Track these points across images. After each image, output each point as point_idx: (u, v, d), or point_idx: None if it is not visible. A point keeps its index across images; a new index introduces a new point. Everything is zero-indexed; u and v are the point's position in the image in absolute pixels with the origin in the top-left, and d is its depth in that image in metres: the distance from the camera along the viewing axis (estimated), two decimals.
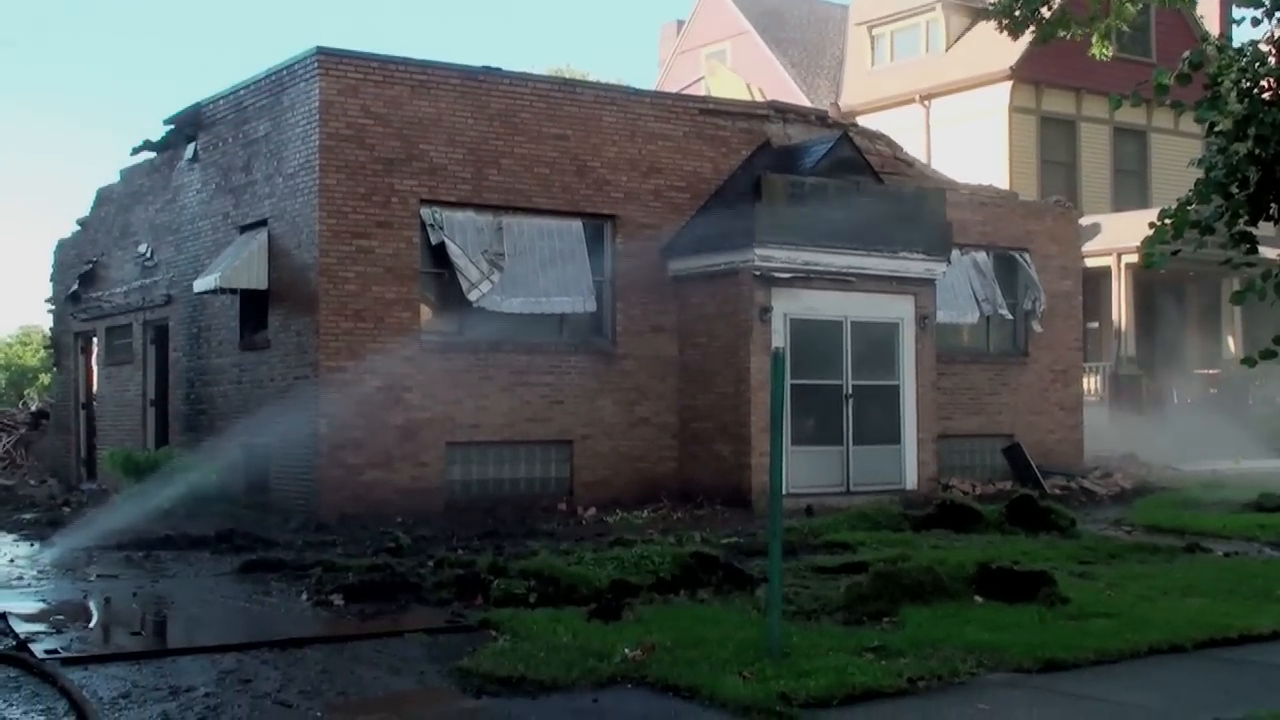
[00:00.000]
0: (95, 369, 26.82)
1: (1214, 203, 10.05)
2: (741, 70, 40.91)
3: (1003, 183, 30.68)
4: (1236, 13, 10.28)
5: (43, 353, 38.15)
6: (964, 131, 35.81)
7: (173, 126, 22.78)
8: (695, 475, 20.55)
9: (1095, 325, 32.53)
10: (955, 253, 23.76)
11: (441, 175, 19.36)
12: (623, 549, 13.34)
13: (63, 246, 28.54)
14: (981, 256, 24.96)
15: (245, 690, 8.38)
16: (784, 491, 9.41)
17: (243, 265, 19.72)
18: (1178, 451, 25.90)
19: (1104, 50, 26.11)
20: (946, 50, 37.82)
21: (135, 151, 24.19)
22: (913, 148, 29.09)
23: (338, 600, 11.47)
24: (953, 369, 23.75)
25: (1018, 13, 24.79)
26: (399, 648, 9.72)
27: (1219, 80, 9.95)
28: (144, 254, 23.98)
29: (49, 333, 30.42)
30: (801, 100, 34.47)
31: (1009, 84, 35.18)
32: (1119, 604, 11.04)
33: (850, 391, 20.76)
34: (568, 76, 29.64)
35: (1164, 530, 17.11)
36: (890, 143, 24.79)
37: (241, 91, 20.83)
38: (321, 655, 9.47)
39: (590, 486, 20.13)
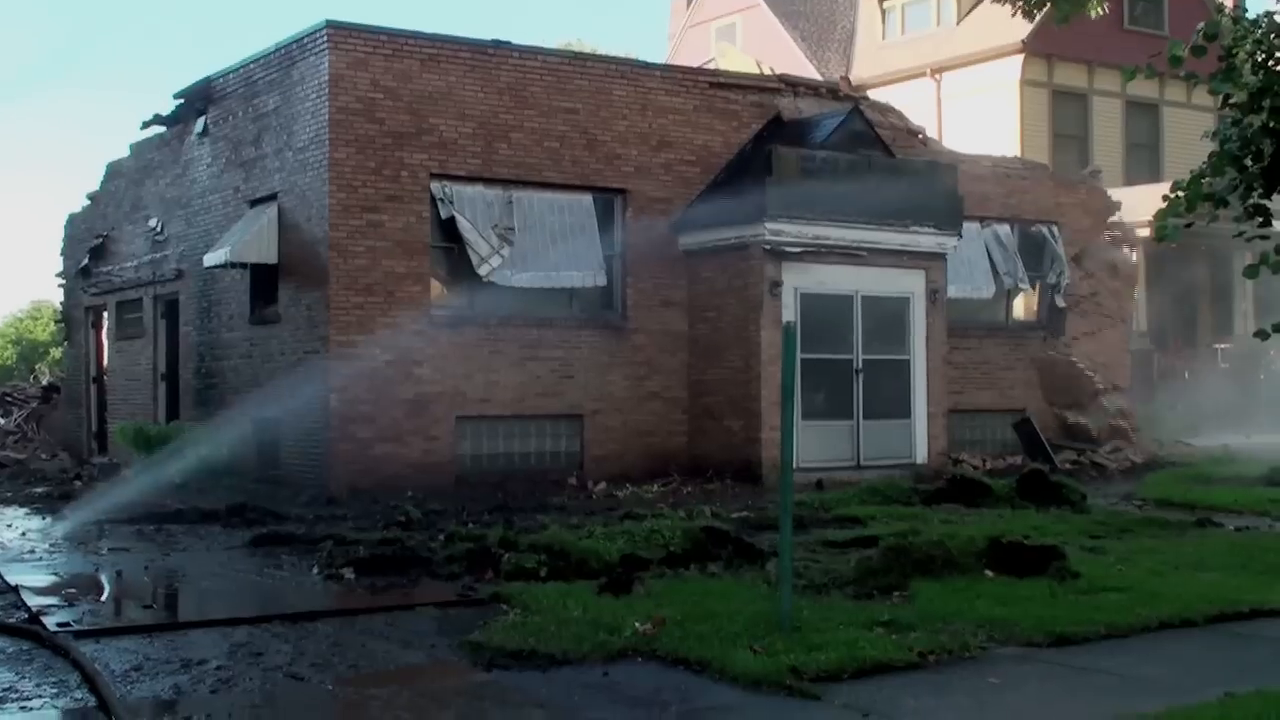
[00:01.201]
0: (106, 343, 26.88)
1: (1228, 175, 10.00)
2: (751, 43, 40.78)
3: (1015, 155, 30.55)
4: None
5: (53, 327, 38.30)
6: (975, 105, 35.69)
7: (182, 101, 22.75)
8: (705, 450, 20.54)
9: None
10: (975, 226, 23.75)
11: (451, 149, 19.32)
12: (633, 523, 13.36)
13: (73, 221, 28.54)
14: (1004, 230, 24.91)
15: (256, 663, 8.40)
16: (794, 466, 9.39)
17: (253, 239, 19.72)
18: (1189, 426, 25.86)
19: (1098, 6, 25.94)
20: (958, 23, 37.66)
21: (145, 125, 24.17)
22: (924, 121, 28.96)
23: (348, 574, 11.49)
24: (966, 343, 23.69)
25: None
26: (410, 621, 9.74)
27: (1234, 52, 9.88)
28: (154, 228, 23.99)
29: (59, 307, 30.44)
30: (812, 74, 34.31)
31: (1020, 57, 35.03)
32: (1130, 579, 11.02)
33: (860, 366, 20.73)
34: (578, 50, 29.51)
35: (1175, 505, 17.05)
36: (901, 116, 24.71)
37: (251, 66, 20.79)
38: (332, 629, 9.49)
39: (600, 461, 20.14)
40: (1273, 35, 9.64)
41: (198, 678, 8.03)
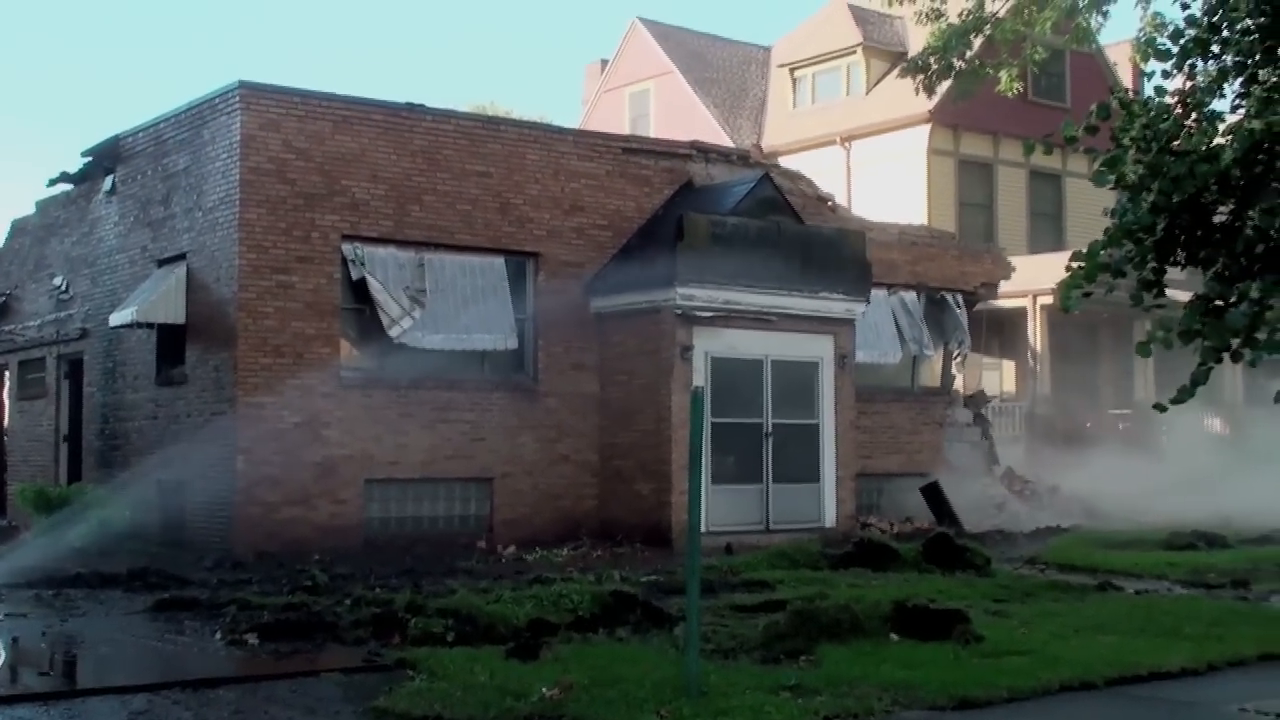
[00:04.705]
0: (7, 403, 26.39)
1: (1124, 249, 10.25)
2: (664, 110, 41.25)
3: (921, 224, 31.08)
4: (1147, 66, 10.53)
5: None
6: (884, 172, 36.26)
7: (90, 159, 22.56)
8: (616, 513, 20.55)
9: (1013, 364, 33.02)
10: (883, 292, 24.13)
11: (363, 211, 19.31)
12: (542, 587, 13.30)
13: None
14: (911, 296, 25.34)
15: None
16: (703, 530, 9.46)
17: (160, 299, 19.54)
18: (1091, 488, 26.23)
19: (1013, 85, 26.76)
20: (867, 93, 38.31)
21: (52, 183, 23.97)
22: (834, 188, 29.42)
23: (252, 639, 11.33)
24: (874, 407, 23.96)
25: (933, 67, 25.36)
26: (314, 687, 9.62)
27: (1121, 137, 10.18)
28: (59, 287, 23.68)
29: None
30: (724, 140, 34.73)
31: (928, 127, 35.70)
32: (1032, 642, 11.15)
33: (770, 430, 20.88)
34: (491, 114, 29.67)
35: (1077, 568, 17.25)
36: (811, 183, 25.09)
37: (161, 125, 20.68)
38: (235, 695, 9.35)
39: (510, 524, 20.07)
40: (1161, 119, 9.94)
41: None
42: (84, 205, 23.17)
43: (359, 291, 19.34)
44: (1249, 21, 9.79)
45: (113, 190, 22.01)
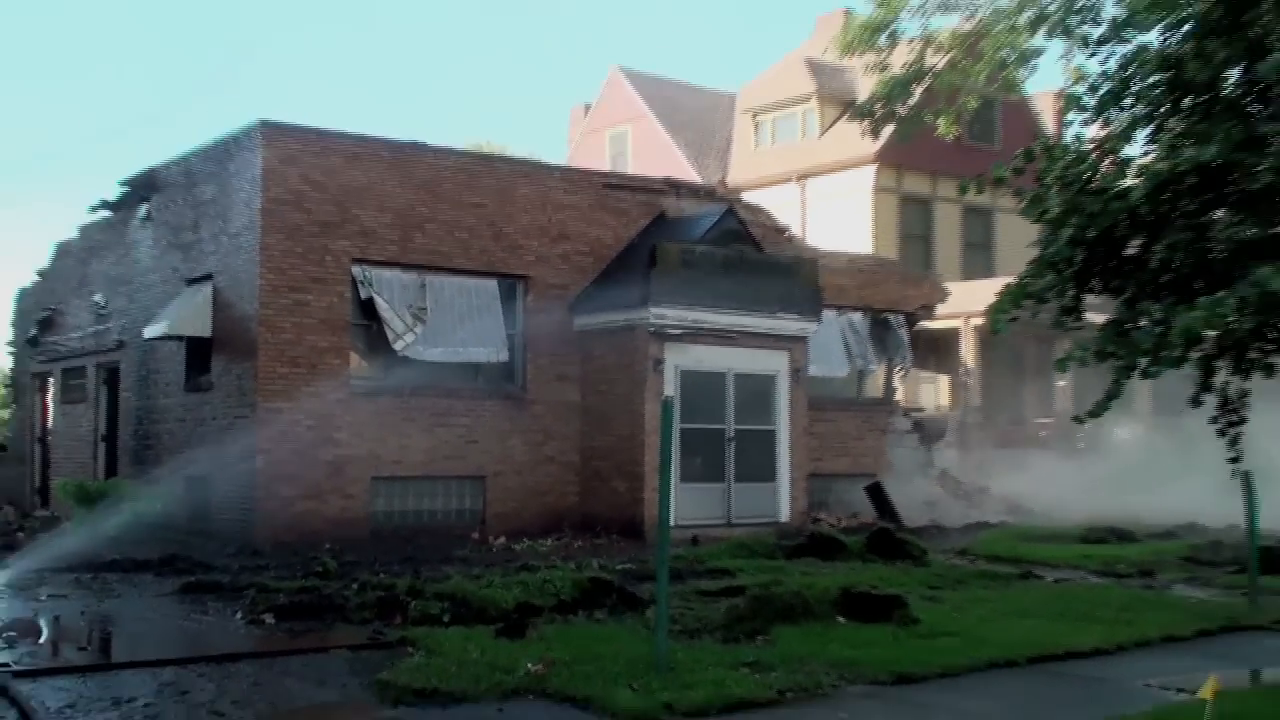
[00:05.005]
0: (51, 406, 26.25)
1: (1047, 278, 10.32)
2: (640, 149, 41.26)
3: (867, 253, 31.18)
4: (1068, 115, 10.60)
5: (2, 391, 37.21)
6: (835, 207, 36.36)
7: (128, 188, 22.46)
8: (595, 508, 20.54)
9: (947, 378, 33.11)
10: (833, 313, 24.22)
11: (371, 237, 19.27)
12: (528, 574, 13.30)
13: (24, 295, 27.95)
14: (858, 317, 25.46)
15: (182, 701, 8.24)
16: (672, 523, 9.46)
17: (189, 314, 19.47)
18: (1017, 489, 26.31)
19: (951, 129, 26.98)
20: (820, 136, 38.40)
21: (93, 210, 23.82)
22: (790, 221, 29.50)
23: (269, 619, 11.31)
24: (824, 415, 24.02)
25: (878, 113, 25.59)
26: (324, 662, 9.60)
27: (1043, 177, 10.27)
28: (99, 303, 23.56)
29: (8, 373, 29.68)
30: (693, 177, 34.76)
31: (874, 167, 35.80)
32: (963, 624, 11.21)
33: (732, 435, 20.91)
34: (486, 151, 29.61)
35: (1003, 559, 17.32)
36: (770, 216, 25.15)
37: (191, 158, 20.61)
38: (253, 669, 9.33)
39: (501, 518, 20.03)
40: (1080, 163, 10.02)
41: (127, 714, 7.85)
42: (121, 230, 23.06)
43: (367, 309, 19.30)
44: (1157, 75, 9.87)
45: (147, 216, 21.92)
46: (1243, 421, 10.53)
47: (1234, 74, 9.67)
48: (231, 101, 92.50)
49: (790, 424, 21.65)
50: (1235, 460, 10.41)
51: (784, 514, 21.33)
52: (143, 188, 22.03)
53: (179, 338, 19.96)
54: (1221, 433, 10.38)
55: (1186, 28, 9.80)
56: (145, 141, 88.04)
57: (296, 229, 18.59)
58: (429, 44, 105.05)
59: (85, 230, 25.09)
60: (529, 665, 8.92)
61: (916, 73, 26.24)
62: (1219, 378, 10.25)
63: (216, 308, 19.36)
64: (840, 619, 11.13)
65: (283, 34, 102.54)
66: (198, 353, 19.95)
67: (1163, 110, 10.01)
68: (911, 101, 27.08)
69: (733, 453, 20.89)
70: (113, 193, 23.02)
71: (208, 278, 19.72)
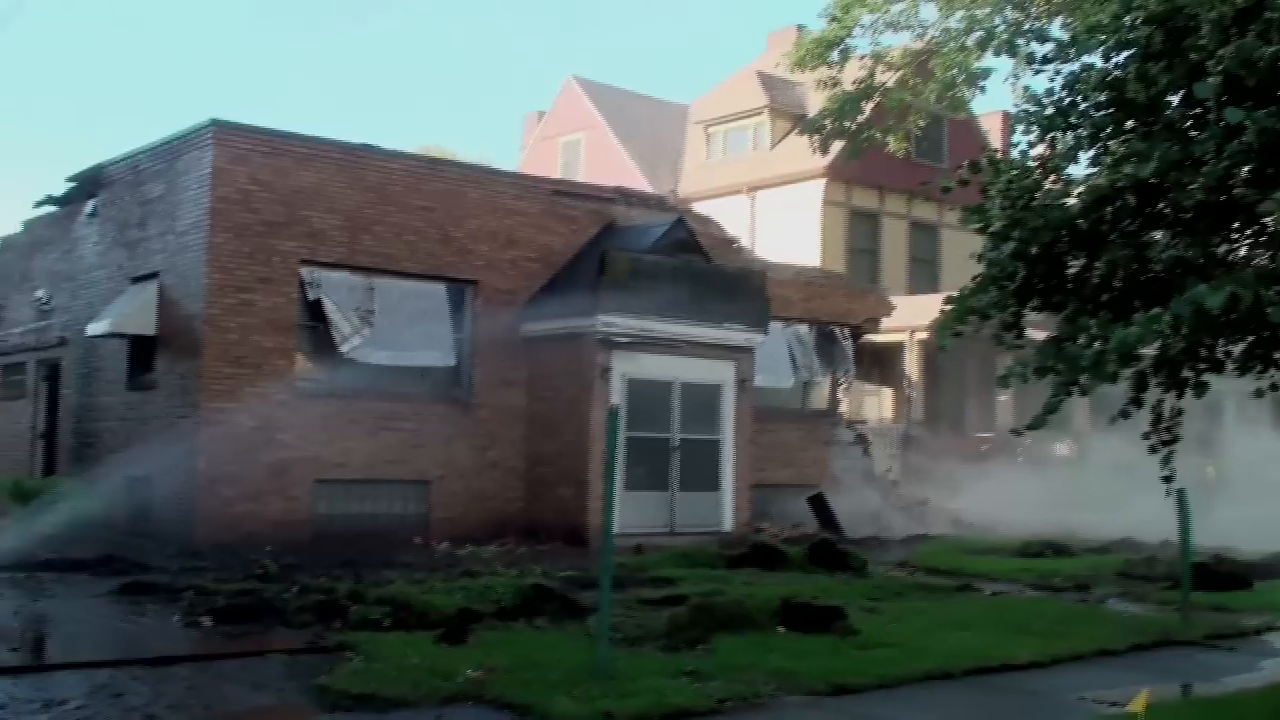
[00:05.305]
0: None
1: (990, 294, 10.37)
2: (592, 158, 41.28)
3: (815, 265, 31.34)
4: (1015, 135, 10.67)
5: None
6: (785, 220, 36.53)
7: (74, 184, 22.19)
8: (539, 514, 20.46)
9: (891, 391, 33.33)
10: (779, 325, 24.30)
11: (320, 239, 19.12)
12: (470, 580, 13.25)
13: None
14: (804, 329, 25.58)
15: (116, 704, 8.10)
16: (616, 531, 9.43)
17: (134, 312, 19.24)
18: (957, 502, 26.50)
19: (901, 147, 27.26)
20: (771, 149, 38.60)
21: (39, 205, 23.53)
22: (740, 232, 29.59)
23: (207, 621, 11.16)
24: (769, 426, 24.07)
25: (828, 128, 25.81)
26: (262, 667, 9.48)
27: (987, 190, 10.34)
28: (41, 299, 23.23)
29: None
30: (645, 187, 34.78)
31: (824, 181, 36.03)
32: (901, 635, 11.24)
33: (677, 444, 20.91)
34: (436, 155, 29.48)
35: (942, 572, 17.37)
36: (719, 227, 25.20)
37: (140, 156, 20.37)
38: (189, 672, 9.21)
39: (445, 522, 19.90)
40: (1023, 178, 10.09)
41: (58, 717, 7.72)
42: (67, 225, 22.75)
43: (314, 311, 19.14)
44: (1100, 96, 9.96)
45: (94, 213, 21.64)
46: (1176, 440, 10.63)
47: (1174, 99, 9.77)
48: (184, 103, 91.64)
49: (735, 434, 21.70)
50: (1168, 479, 10.50)
51: (727, 524, 21.35)
52: (89, 184, 21.78)
53: (122, 335, 19.71)
54: (1153, 450, 10.47)
55: (1129, 51, 9.90)
56: (94, 138, 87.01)
57: (245, 228, 18.41)
58: (384, 47, 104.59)
59: (31, 225, 24.76)
60: (469, 672, 8.86)
61: (867, 89, 26.45)
62: (1153, 395, 10.34)
63: (162, 306, 19.14)
64: (780, 629, 11.14)
65: (240, 37, 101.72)
66: (141, 351, 19.70)
67: (1107, 131, 10.10)
68: (861, 118, 27.29)
69: (678, 462, 20.90)
70: (60, 189, 22.76)
71: (153, 276, 19.48)
